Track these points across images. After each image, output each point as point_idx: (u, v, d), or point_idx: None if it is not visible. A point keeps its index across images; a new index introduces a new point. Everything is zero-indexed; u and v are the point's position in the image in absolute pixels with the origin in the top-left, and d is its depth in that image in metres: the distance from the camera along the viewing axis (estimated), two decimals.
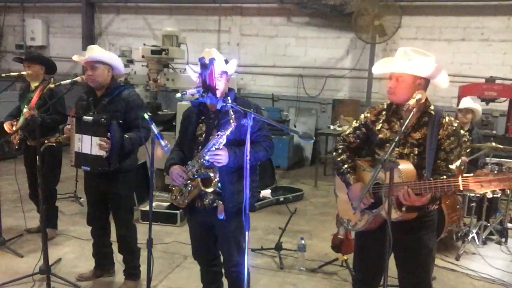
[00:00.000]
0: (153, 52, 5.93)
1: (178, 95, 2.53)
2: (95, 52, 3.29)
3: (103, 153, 3.12)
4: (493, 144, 4.65)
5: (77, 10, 10.19)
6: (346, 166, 2.55)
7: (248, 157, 2.29)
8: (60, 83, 3.47)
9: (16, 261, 3.96)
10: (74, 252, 4.22)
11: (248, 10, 9.24)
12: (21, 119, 4.03)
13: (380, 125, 2.50)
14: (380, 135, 2.48)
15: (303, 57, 9.02)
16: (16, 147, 4.16)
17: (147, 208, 4.92)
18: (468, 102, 4.94)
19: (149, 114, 2.67)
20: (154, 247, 2.77)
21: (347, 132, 2.66)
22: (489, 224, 4.77)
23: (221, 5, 9.28)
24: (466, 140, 2.56)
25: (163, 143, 2.53)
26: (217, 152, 2.52)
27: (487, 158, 4.77)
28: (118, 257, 3.66)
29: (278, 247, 4.26)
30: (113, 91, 3.31)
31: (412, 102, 2.27)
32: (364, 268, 2.64)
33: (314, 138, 6.77)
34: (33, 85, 4.25)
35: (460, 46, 8.08)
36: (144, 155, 4.22)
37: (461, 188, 2.09)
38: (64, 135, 3.39)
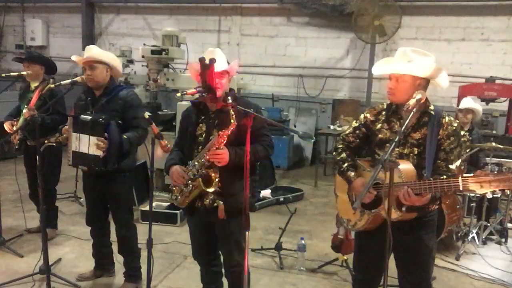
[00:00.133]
0: (153, 52, 5.93)
1: (178, 95, 2.53)
2: (94, 52, 3.29)
3: (100, 153, 3.10)
4: (493, 144, 4.65)
5: (77, 10, 10.19)
6: (346, 164, 2.55)
7: (248, 157, 2.29)
8: (60, 83, 3.47)
9: (16, 261, 3.96)
10: (74, 252, 4.22)
11: (248, 10, 9.24)
12: (21, 120, 4.03)
13: (380, 125, 2.50)
14: (380, 135, 2.48)
15: (303, 57, 9.02)
16: (16, 147, 4.16)
17: (147, 208, 4.92)
18: (468, 102, 4.94)
19: (149, 114, 2.68)
20: (154, 247, 2.77)
21: (346, 132, 2.66)
22: (489, 224, 4.77)
23: (221, 5, 9.28)
24: (466, 140, 2.56)
25: (163, 143, 2.54)
26: (218, 152, 2.52)
27: (487, 158, 4.77)
28: (118, 257, 3.65)
29: (278, 247, 4.26)
30: (112, 91, 3.31)
31: (412, 102, 2.26)
32: (364, 268, 2.64)
33: (314, 138, 6.85)
34: (33, 85, 4.25)
35: (460, 46, 8.08)
36: (144, 155, 4.23)
37: (461, 189, 2.09)
38: (64, 135, 3.38)
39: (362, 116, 2.60)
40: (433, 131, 2.34)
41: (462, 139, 2.41)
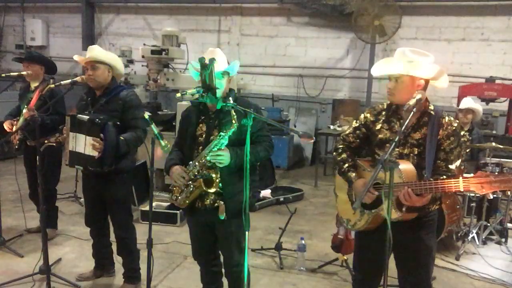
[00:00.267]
0: (153, 52, 5.93)
1: (178, 95, 2.53)
2: (96, 52, 3.28)
3: (96, 153, 3.07)
4: (493, 144, 4.65)
5: (77, 10, 10.20)
6: (347, 165, 2.55)
7: (248, 157, 2.29)
8: (60, 83, 3.47)
9: (16, 261, 3.96)
10: (74, 252, 4.22)
11: (248, 10, 9.24)
12: (21, 120, 4.03)
13: (380, 125, 2.50)
14: (380, 135, 2.48)
15: (303, 57, 9.03)
16: (16, 147, 4.16)
17: (147, 208, 4.92)
18: (469, 102, 4.94)
19: (149, 114, 2.67)
20: (154, 247, 2.77)
21: (346, 132, 2.66)
22: (489, 224, 4.77)
23: (221, 5, 9.29)
24: (466, 140, 2.55)
25: (163, 143, 2.54)
26: (219, 152, 2.52)
27: (487, 158, 4.77)
28: (118, 257, 3.64)
29: (278, 247, 4.26)
30: (112, 91, 3.30)
31: (412, 102, 2.26)
32: (364, 268, 2.64)
33: (314, 138, 6.85)
34: (33, 85, 4.25)
35: (460, 46, 8.08)
36: (144, 155, 4.24)
37: (462, 189, 2.09)
38: (64, 135, 3.38)
39: (362, 116, 2.60)
40: (433, 131, 2.34)
41: (462, 139, 2.41)
